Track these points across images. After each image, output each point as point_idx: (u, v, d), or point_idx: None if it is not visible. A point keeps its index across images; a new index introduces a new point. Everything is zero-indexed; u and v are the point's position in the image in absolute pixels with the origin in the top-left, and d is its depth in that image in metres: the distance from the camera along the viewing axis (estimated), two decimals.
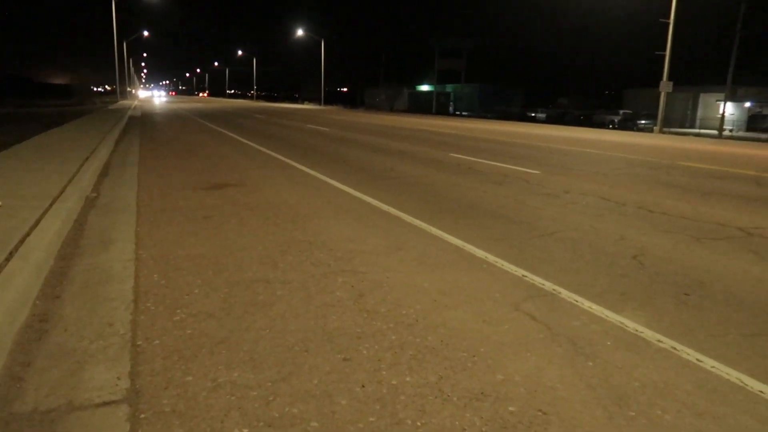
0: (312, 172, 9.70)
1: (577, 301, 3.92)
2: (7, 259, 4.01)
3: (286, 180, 8.89)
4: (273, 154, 12.50)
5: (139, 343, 3.11)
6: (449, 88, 62.25)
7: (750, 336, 3.45)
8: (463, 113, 54.14)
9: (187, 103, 52.10)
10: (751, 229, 6.28)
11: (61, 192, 6.56)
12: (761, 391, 2.78)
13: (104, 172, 9.25)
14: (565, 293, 4.07)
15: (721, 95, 30.99)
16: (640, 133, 28.55)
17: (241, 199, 7.19)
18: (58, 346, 3.04)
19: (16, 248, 4.29)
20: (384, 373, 2.85)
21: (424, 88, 66.53)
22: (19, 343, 3.07)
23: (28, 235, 4.68)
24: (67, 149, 11.01)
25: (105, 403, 2.52)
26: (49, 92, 51.22)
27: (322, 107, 62.44)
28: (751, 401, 2.70)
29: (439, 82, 59.78)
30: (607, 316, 3.67)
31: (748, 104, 35.79)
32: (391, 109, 58.56)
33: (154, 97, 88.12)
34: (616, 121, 35.91)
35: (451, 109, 58.97)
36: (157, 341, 3.13)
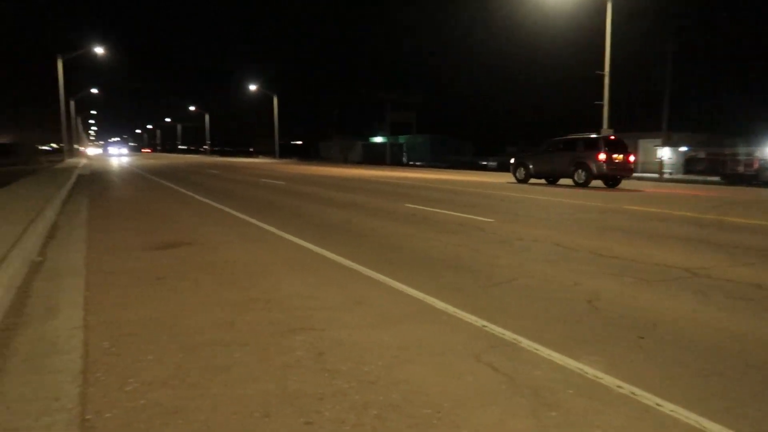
0: (268, 227, 9.62)
1: (537, 350, 3.95)
2: None
3: (241, 237, 8.78)
4: (227, 209, 12.37)
5: (88, 417, 2.95)
6: (402, 139, 63.66)
7: (704, 377, 3.54)
8: (417, 163, 55.22)
9: (138, 160, 51.29)
10: (697, 269, 6.53)
11: (4, 257, 6.28)
12: None
13: (51, 234, 8.93)
14: (525, 342, 4.10)
15: (658, 140, 32.81)
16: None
17: (196, 259, 7.04)
18: None
19: None
20: None
21: (378, 139, 67.81)
22: None
23: None
24: (10, 211, 10.61)
25: None
26: None
27: (276, 160, 62.54)
28: None
29: (391, 133, 61.08)
30: (567, 363, 3.71)
31: (683, 148, 37.90)
32: (346, 161, 59.20)
33: (107, 154, 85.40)
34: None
35: (404, 159, 60.09)
36: (108, 414, 2.98)
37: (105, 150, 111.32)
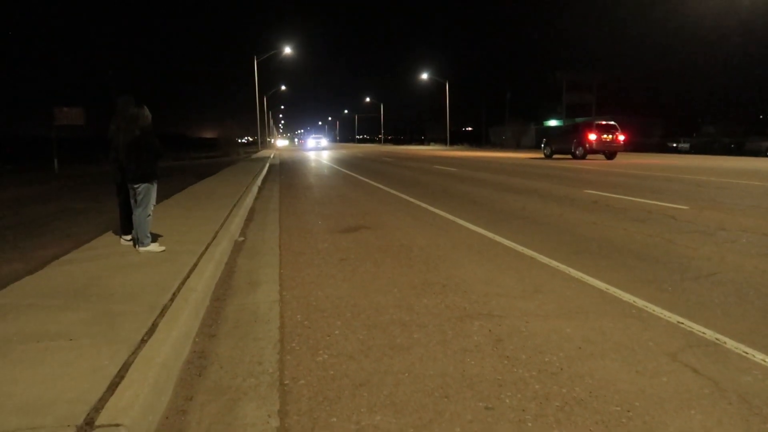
0: (441, 213, 9.74)
1: (746, 353, 3.49)
2: (171, 300, 4.42)
3: (417, 222, 9.00)
4: (402, 196, 12.76)
5: (286, 382, 3.25)
6: (579, 121, 60.22)
7: None
8: None
9: (316, 152, 55.06)
10: None
11: (214, 237, 7.16)
12: None
13: (249, 217, 9.98)
14: (731, 343, 3.65)
15: None
16: None
17: (374, 242, 7.38)
18: (214, 383, 3.26)
19: (179, 289, 4.72)
20: (530, 425, 2.71)
21: (552, 123, 64.93)
22: (183, 378, 3.34)
23: (187, 277, 5.14)
24: (216, 197, 12.07)
25: None
26: (201, 146, 56.96)
27: (447, 147, 63.04)
28: None
29: (567, 116, 58.04)
30: None
31: None
32: (518, 146, 57.65)
33: (305, 147, 72.51)
34: None
35: None
36: (302, 381, 3.25)
37: (302, 143, 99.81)
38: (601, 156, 28.60)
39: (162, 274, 5.25)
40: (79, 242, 6.77)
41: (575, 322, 4.14)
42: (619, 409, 2.85)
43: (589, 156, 28.48)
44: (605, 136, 27.60)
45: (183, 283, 4.94)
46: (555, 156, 31.19)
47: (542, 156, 32.83)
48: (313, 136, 78.96)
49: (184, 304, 4.33)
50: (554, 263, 5.88)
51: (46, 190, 14.41)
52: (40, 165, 24.43)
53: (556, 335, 3.88)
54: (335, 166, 26.73)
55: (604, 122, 28.87)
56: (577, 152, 28.50)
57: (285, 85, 78.29)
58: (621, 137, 27.83)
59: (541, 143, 33.60)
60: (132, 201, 6.24)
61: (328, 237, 7.84)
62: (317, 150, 58.86)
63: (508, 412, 2.83)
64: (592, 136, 27.41)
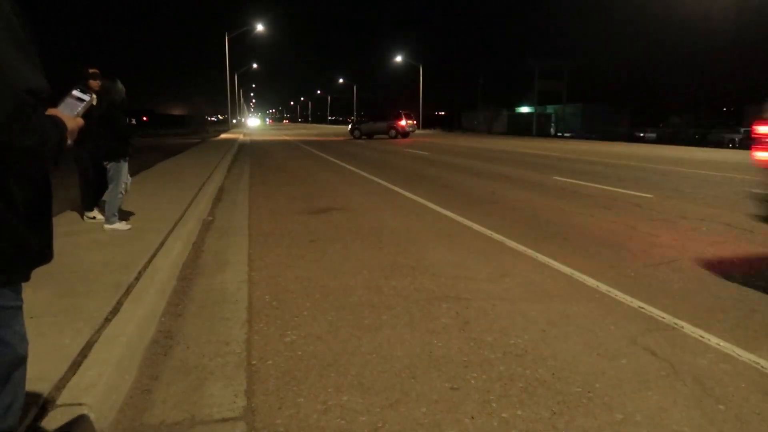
0: (412, 197, 9.77)
1: (702, 337, 3.62)
2: (137, 279, 4.36)
3: (388, 204, 9.01)
4: (374, 178, 12.74)
5: (253, 362, 3.24)
6: (550, 109, 60.75)
7: None
8: (565, 134, 52.54)
9: (286, 130, 54.50)
10: None
11: (182, 216, 7.06)
12: None
13: (218, 197, 9.86)
14: (688, 327, 3.78)
15: None
16: None
17: (345, 224, 7.37)
18: (181, 362, 3.24)
19: (144, 268, 4.65)
20: (494, 405, 2.77)
21: (524, 109, 65.41)
22: (148, 358, 3.30)
23: (154, 256, 5.06)
24: (185, 176, 11.87)
25: (224, 419, 2.64)
26: (169, 122, 55.82)
27: (420, 131, 63.06)
28: None
29: (539, 103, 58.54)
30: (738, 354, 3.36)
31: None
32: (490, 132, 57.98)
33: (271, 124, 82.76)
34: (736, 139, 33.34)
35: (552, 130, 57.46)
36: (270, 361, 3.25)
37: (271, 122, 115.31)
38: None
39: (128, 252, 5.16)
40: None
41: (541, 305, 4.22)
42: (580, 390, 2.93)
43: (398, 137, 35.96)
44: (409, 122, 38.13)
45: (149, 262, 4.86)
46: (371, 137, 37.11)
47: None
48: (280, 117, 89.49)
49: (149, 283, 4.27)
50: (522, 248, 5.97)
51: None
52: None
53: (521, 318, 3.95)
54: (308, 148, 26.51)
55: (406, 111, 38.39)
56: (390, 134, 36.30)
57: (257, 64, 76.96)
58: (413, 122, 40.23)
59: (349, 127, 41.48)
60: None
61: (298, 218, 7.80)
62: (286, 130, 59.57)
63: (473, 393, 2.88)
64: (402, 122, 36.41)
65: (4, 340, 1.24)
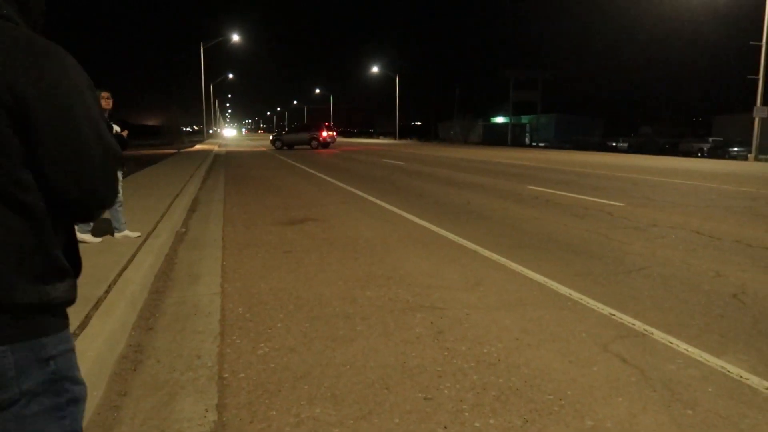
0: (389, 207, 9.79)
1: (671, 343, 3.68)
2: (107, 292, 4.28)
3: (364, 214, 9.01)
4: (350, 188, 12.74)
5: (225, 375, 3.20)
6: (525, 119, 61.59)
7: None
8: (540, 144, 53.26)
9: (261, 141, 54.32)
10: None
11: (154, 228, 6.96)
12: None
13: (192, 208, 9.75)
14: (657, 334, 3.84)
15: None
16: (733, 162, 26.91)
17: (320, 234, 7.34)
18: (151, 377, 3.18)
19: (114, 281, 4.57)
20: (467, 414, 2.77)
21: (499, 119, 66.17)
22: (117, 373, 3.24)
23: (125, 269, 4.98)
24: (159, 187, 11.72)
25: None
26: (143, 133, 55.20)
27: (396, 141, 63.28)
28: None
29: (514, 113, 59.29)
30: (706, 359, 3.42)
31: None
32: (466, 142, 58.50)
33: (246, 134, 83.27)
34: (705, 149, 34.12)
35: (527, 140, 58.19)
36: (242, 374, 3.21)
37: (247, 132, 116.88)
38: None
39: (97, 265, 5.07)
40: None
41: (514, 313, 4.25)
42: (552, 397, 2.95)
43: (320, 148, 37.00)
44: (330, 133, 39.74)
45: (119, 274, 4.78)
46: (295, 147, 37.40)
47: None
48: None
49: (120, 296, 4.20)
50: (495, 256, 6.02)
51: None
52: None
53: (495, 327, 3.97)
54: (281, 157, 26.40)
55: (327, 123, 41.02)
56: (312, 144, 37.25)
57: (233, 74, 76.71)
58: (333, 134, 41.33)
59: (270, 138, 42.70)
60: None
61: (274, 229, 7.75)
62: (262, 141, 59.71)
63: (446, 402, 2.89)
64: (324, 133, 37.88)
65: (77, 379, 1.24)
